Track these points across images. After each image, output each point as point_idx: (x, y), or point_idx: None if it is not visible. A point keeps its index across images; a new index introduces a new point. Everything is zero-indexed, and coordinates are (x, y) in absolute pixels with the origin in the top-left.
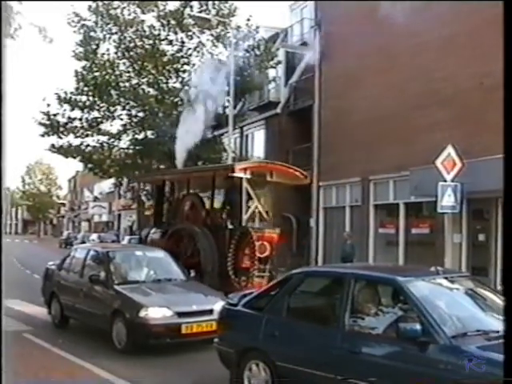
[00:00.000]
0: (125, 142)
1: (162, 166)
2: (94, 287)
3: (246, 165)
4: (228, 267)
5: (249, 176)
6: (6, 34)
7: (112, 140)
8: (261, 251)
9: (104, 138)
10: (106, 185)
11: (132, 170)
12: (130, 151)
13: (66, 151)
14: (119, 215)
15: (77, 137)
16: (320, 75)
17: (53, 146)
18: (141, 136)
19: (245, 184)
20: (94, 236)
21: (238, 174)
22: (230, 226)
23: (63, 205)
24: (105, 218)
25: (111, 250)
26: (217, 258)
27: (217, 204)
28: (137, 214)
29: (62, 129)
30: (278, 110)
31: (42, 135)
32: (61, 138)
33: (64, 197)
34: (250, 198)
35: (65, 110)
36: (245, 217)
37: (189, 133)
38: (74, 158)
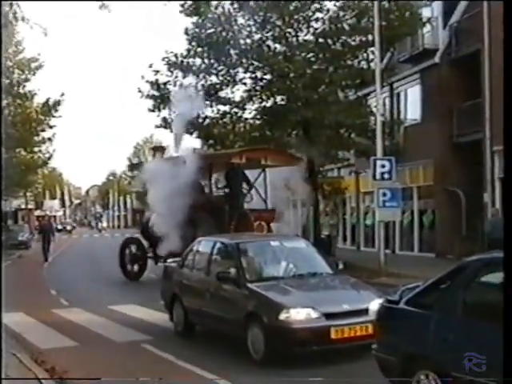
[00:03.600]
0: (250, 111)
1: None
2: (223, 286)
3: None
4: None
5: (244, 161)
6: None
7: (235, 110)
8: (258, 230)
9: (225, 108)
10: None
11: (260, 143)
12: (257, 122)
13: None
14: None
15: (192, 108)
16: (489, 10)
17: (164, 120)
18: (269, 103)
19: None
20: None
21: (235, 160)
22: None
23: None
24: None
25: (242, 241)
26: None
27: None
28: None
29: (174, 100)
30: (437, 60)
31: (152, 110)
32: (174, 110)
33: None
34: (248, 182)
35: (176, 77)
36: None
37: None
38: (191, 133)
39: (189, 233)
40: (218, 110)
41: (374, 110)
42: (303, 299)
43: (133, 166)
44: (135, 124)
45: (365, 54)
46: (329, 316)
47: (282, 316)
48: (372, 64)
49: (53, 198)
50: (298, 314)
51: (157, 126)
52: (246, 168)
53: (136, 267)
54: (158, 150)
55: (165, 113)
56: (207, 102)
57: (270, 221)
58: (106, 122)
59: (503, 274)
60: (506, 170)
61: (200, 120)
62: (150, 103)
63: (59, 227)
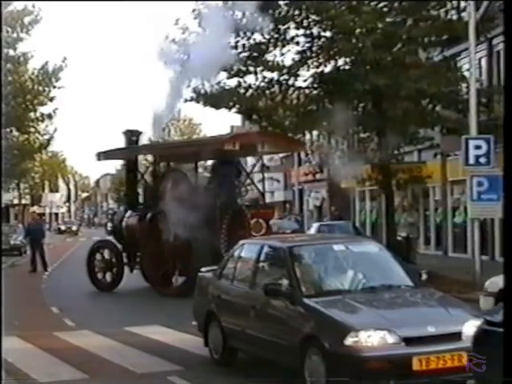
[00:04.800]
0: (304, 78)
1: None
2: (273, 302)
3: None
4: (221, 250)
5: (237, 148)
6: None
7: (285, 77)
8: (256, 230)
9: (273, 75)
10: None
11: (317, 119)
12: (313, 92)
13: (215, 98)
14: (301, 191)
15: (231, 76)
16: None
17: (197, 91)
18: (328, 68)
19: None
20: None
21: (227, 147)
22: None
23: (244, 178)
24: (280, 197)
25: (296, 245)
26: (208, 242)
27: (203, 181)
28: (327, 187)
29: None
30: None
31: (181, 79)
32: (207, 79)
33: None
34: (239, 173)
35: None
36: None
37: None
38: (229, 107)
39: (172, 234)
40: (264, 77)
41: (467, 74)
42: (376, 319)
43: (102, 155)
44: (157, 97)
45: (454, 1)
46: (410, 341)
47: (349, 340)
48: (464, 14)
49: (54, 190)
50: (370, 339)
51: (186, 100)
52: (239, 156)
53: (109, 276)
54: (132, 134)
55: (197, 82)
56: (250, 68)
57: (270, 218)
58: (120, 94)
59: (505, 275)
60: (506, 169)
61: (241, 90)
62: (177, 69)
63: (62, 227)
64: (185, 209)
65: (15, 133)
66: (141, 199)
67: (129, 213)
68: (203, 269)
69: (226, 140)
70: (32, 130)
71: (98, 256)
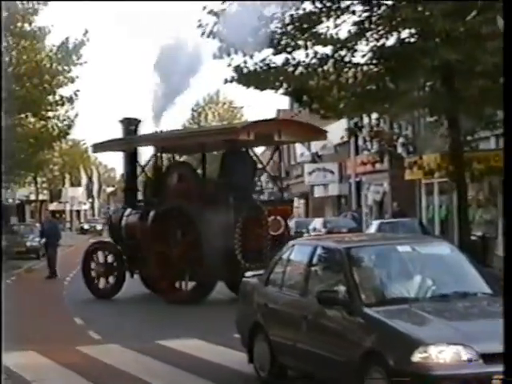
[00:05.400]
0: (363, 53)
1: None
2: (328, 312)
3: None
4: (235, 251)
5: (252, 138)
6: None
7: (340, 52)
8: (274, 228)
9: (326, 50)
10: (332, 131)
11: (377, 100)
12: (373, 69)
13: (260, 78)
14: (358, 183)
15: (277, 51)
16: None
17: (238, 70)
18: (390, 41)
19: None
20: (318, 222)
21: (242, 137)
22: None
23: (260, 171)
24: (334, 191)
25: (354, 246)
26: (221, 243)
27: (213, 174)
28: (389, 179)
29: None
30: None
31: (218, 55)
32: (250, 56)
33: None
34: (255, 165)
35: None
36: None
37: None
38: (276, 88)
39: (179, 234)
40: (316, 52)
41: None
42: (449, 332)
43: (98, 146)
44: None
45: None
46: (488, 358)
47: (417, 357)
48: None
49: (75, 184)
50: (442, 354)
51: (226, 81)
52: (253, 146)
53: (109, 281)
54: (130, 123)
55: (238, 59)
56: (300, 42)
57: (288, 215)
58: (150, 72)
59: (504, 274)
60: (506, 169)
61: (289, 68)
62: (215, 45)
63: (85, 227)
64: (193, 206)
65: (31, 119)
66: (140, 196)
67: (128, 211)
68: (247, 273)
69: (239, 130)
70: (50, 115)
71: (96, 259)
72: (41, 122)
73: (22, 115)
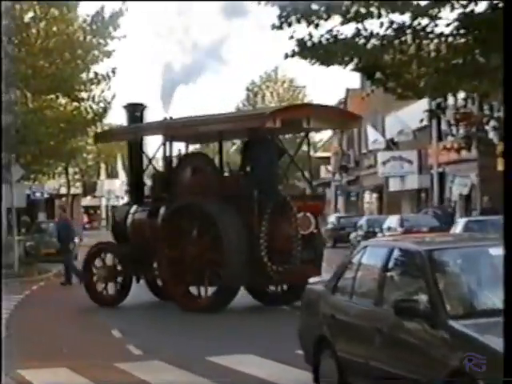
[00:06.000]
0: (448, 22)
1: None
2: (406, 325)
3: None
4: (261, 251)
5: (279, 125)
6: None
7: (420, 21)
8: (304, 226)
9: (403, 19)
10: (410, 114)
11: (464, 77)
12: (460, 40)
13: (326, 52)
14: (441, 175)
15: (347, 20)
16: None
17: (302, 43)
18: (480, 7)
19: None
20: (393, 220)
21: (268, 124)
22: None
23: (324, 161)
24: (412, 183)
25: (437, 248)
26: (244, 242)
27: (233, 165)
28: (478, 169)
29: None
30: None
31: (279, 26)
32: (315, 26)
33: (324, 145)
34: (280, 155)
35: None
36: None
37: None
38: (345, 63)
39: (196, 234)
40: (392, 22)
41: None
42: None
43: (100, 136)
44: (248, 52)
45: None
46: None
47: None
48: None
49: (112, 176)
50: None
51: (287, 55)
52: (279, 134)
53: (113, 287)
54: (135, 109)
55: (301, 30)
56: (373, 10)
57: (319, 212)
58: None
59: (504, 274)
60: (506, 169)
61: (361, 40)
62: (273, 13)
63: None
64: (213, 202)
65: (62, 100)
66: (148, 191)
67: (134, 208)
68: (312, 279)
69: (266, 116)
70: (84, 95)
71: (99, 262)
72: (73, 103)
73: (52, 96)
